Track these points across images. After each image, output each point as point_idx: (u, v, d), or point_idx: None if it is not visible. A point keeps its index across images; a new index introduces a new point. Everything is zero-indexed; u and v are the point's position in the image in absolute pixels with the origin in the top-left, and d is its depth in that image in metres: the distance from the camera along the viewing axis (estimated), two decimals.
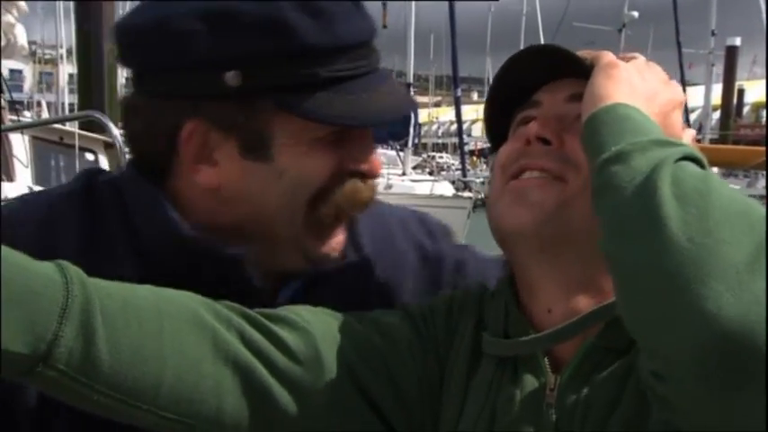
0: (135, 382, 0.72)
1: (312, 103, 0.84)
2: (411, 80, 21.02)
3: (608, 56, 0.83)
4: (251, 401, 0.79)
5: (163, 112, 0.86)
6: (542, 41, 26.58)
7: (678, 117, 0.82)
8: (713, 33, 25.08)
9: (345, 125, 0.86)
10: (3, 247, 0.64)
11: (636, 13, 22.45)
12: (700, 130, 22.94)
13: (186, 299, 0.79)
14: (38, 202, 0.97)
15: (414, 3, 22.52)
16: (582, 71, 0.82)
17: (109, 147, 5.53)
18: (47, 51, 37.25)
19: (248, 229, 0.89)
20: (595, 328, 0.81)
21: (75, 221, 0.91)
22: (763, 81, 31.56)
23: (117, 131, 4.72)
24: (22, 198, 1.03)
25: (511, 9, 39.30)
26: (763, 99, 30.34)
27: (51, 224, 0.90)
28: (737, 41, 24.84)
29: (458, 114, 11.35)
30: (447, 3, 10.90)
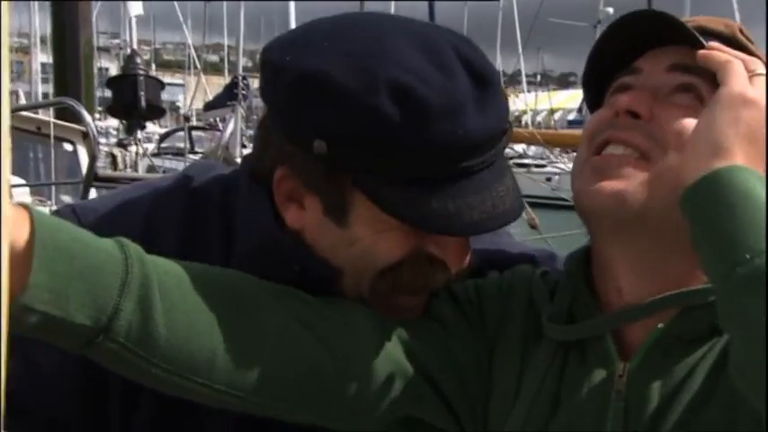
0: (191, 355, 0.74)
1: (393, 197, 0.80)
2: None
3: (738, 78, 0.74)
4: (299, 375, 0.80)
5: (271, 146, 0.87)
6: (518, 36, 26.18)
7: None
8: None
9: (424, 229, 0.82)
10: (68, 224, 0.69)
11: (611, 10, 22.66)
12: None
13: (238, 276, 0.82)
14: (140, 203, 0.97)
15: (393, 3, 22.64)
16: (688, 39, 0.79)
17: (86, 137, 5.57)
18: (17, 40, 36.89)
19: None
20: (666, 314, 0.79)
21: (176, 224, 0.93)
22: None
23: (91, 120, 4.78)
24: (123, 195, 1.01)
25: (487, 4, 39.78)
26: None
27: (153, 227, 0.92)
28: None
29: None
30: (426, 3, 11.00)
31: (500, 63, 37.29)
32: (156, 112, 6.47)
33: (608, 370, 0.81)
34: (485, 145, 0.81)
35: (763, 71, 0.75)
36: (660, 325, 0.79)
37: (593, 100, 0.90)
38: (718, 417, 0.74)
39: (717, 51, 0.77)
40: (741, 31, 0.86)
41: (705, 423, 0.74)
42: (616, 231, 0.82)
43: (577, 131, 11.29)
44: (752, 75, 0.74)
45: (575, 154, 0.98)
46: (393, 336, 0.86)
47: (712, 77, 0.76)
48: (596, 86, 0.89)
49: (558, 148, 12.16)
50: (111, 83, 6.38)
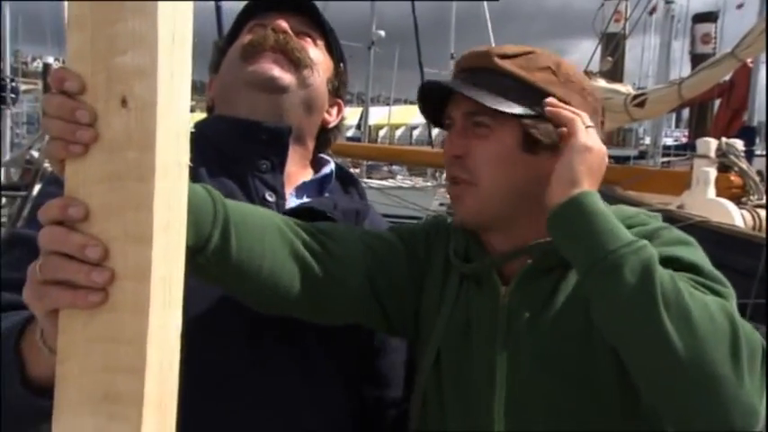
0: (247, 267, 1.03)
1: None
2: None
3: (581, 132, 1.05)
4: (308, 285, 1.09)
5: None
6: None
7: (601, 170, 1.05)
8: (452, 57, 27.27)
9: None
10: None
11: (383, 33, 24.31)
12: (431, 143, 27.75)
13: (271, 214, 1.10)
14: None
15: None
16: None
17: None
18: None
19: None
20: (529, 256, 1.12)
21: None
22: None
23: None
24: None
25: None
26: None
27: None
28: None
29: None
30: (215, 11, 11.67)
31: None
32: None
33: (495, 293, 1.13)
34: None
35: (592, 124, 1.07)
36: (529, 261, 1.11)
37: (435, 121, 1.23)
38: (579, 318, 1.05)
39: (561, 109, 1.07)
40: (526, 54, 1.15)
41: (568, 324, 1.06)
42: (482, 230, 1.17)
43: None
44: (587, 127, 1.05)
45: None
46: (359, 260, 1.15)
47: (493, 113, 1.09)
48: (432, 117, 1.23)
49: None
50: None
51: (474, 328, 1.15)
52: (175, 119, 0.72)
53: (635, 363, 0.96)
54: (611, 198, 1.27)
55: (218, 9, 11.86)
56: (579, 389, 1.06)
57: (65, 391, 0.74)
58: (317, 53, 1.32)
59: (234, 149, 1.24)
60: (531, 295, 1.11)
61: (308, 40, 1.32)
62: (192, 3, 0.73)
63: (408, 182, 14.81)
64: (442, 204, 14.75)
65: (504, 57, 1.14)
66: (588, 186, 1.01)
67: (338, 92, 1.38)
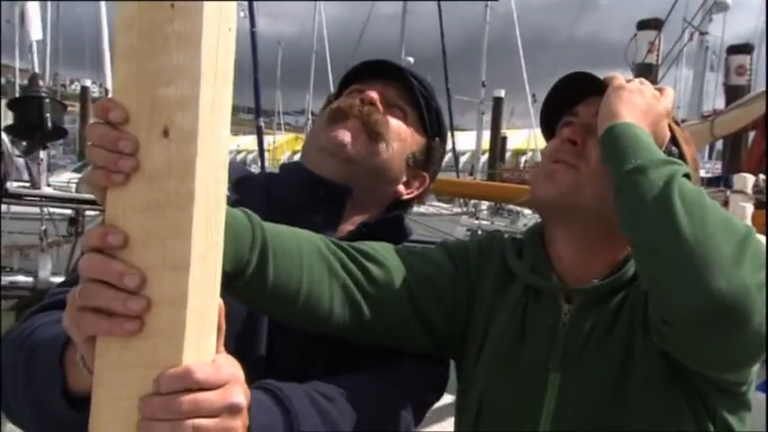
0: (286, 290, 1.04)
1: None
2: None
3: (617, 79, 1.13)
4: (346, 310, 1.10)
5: None
6: (330, 78, 30.96)
7: (664, 125, 1.13)
8: (483, 84, 27.96)
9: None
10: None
11: (411, 59, 24.33)
12: (471, 171, 25.36)
13: (312, 237, 1.10)
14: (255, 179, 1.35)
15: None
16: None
17: None
18: None
19: None
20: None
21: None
22: (521, 130, 37.04)
23: (6, 138, 4.73)
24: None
25: (302, 45, 42.07)
26: (522, 146, 34.85)
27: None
28: (502, 93, 28.02)
29: (260, 143, 12.17)
30: (250, 38, 11.75)
31: (310, 102, 39.69)
32: (60, 132, 6.34)
33: (557, 310, 1.14)
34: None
35: (633, 85, 1.13)
36: (595, 281, 1.13)
37: (545, 133, 1.28)
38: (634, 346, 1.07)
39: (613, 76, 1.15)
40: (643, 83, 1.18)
41: (622, 351, 1.08)
42: (557, 216, 1.17)
43: None
44: (639, 85, 1.13)
45: None
46: (402, 282, 1.16)
47: None
48: (545, 125, 1.27)
49: None
50: (13, 105, 6.09)
51: (527, 344, 1.16)
52: (215, 149, 0.74)
53: (643, 244, 0.99)
54: None
55: (253, 35, 11.98)
56: (638, 419, 1.06)
57: (101, 417, 0.75)
58: (401, 127, 1.34)
59: (296, 198, 1.29)
60: (593, 317, 1.12)
61: (399, 112, 1.35)
62: (234, 37, 0.75)
63: (432, 208, 14.82)
64: (468, 230, 14.69)
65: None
66: (629, 118, 1.08)
67: (425, 165, 1.40)
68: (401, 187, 1.38)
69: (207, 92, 0.71)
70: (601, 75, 1.22)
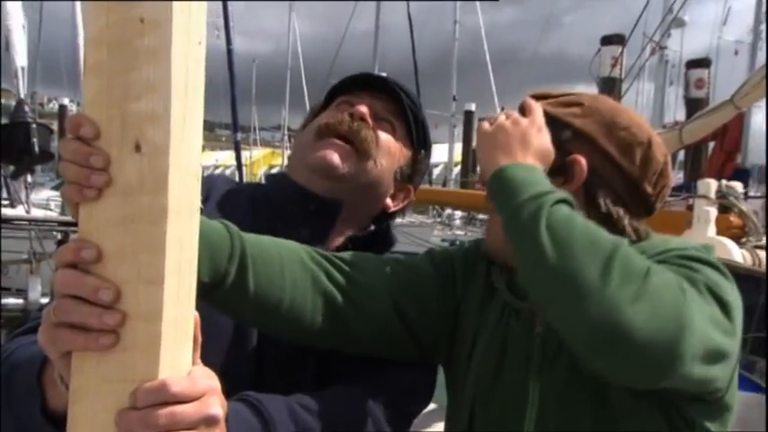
0: (267, 300, 1.02)
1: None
2: None
3: (479, 129, 1.15)
4: (330, 319, 1.08)
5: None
6: (306, 94, 31.19)
7: (540, 136, 1.11)
8: (454, 98, 28.55)
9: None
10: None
11: (384, 75, 26.75)
12: (444, 183, 25.69)
13: (294, 246, 1.09)
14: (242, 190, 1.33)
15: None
16: None
17: None
18: None
19: None
20: None
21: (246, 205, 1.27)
22: None
23: None
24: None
25: (277, 62, 42.42)
26: None
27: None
28: (473, 107, 27.54)
29: (238, 158, 12.27)
30: (226, 55, 11.65)
31: (286, 118, 39.96)
32: (46, 156, 6.38)
33: (531, 322, 1.14)
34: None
35: (494, 128, 1.12)
36: None
37: None
38: None
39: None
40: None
41: None
42: (508, 258, 1.12)
43: None
44: (493, 118, 1.15)
45: None
46: (386, 290, 1.14)
47: None
48: None
49: None
50: (0, 130, 6.11)
51: (509, 355, 1.16)
52: (187, 163, 0.72)
53: (523, 275, 1.00)
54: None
55: (229, 53, 11.99)
56: (606, 423, 1.06)
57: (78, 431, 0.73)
58: (390, 142, 1.32)
59: (284, 210, 1.27)
60: None
61: (388, 126, 1.32)
62: (204, 51, 0.73)
63: (409, 219, 14.87)
64: (443, 240, 14.76)
65: (539, 98, 1.20)
66: (504, 159, 1.07)
67: (410, 178, 1.39)
68: (388, 200, 1.37)
69: (178, 106, 0.70)
70: (566, 88, 1.21)
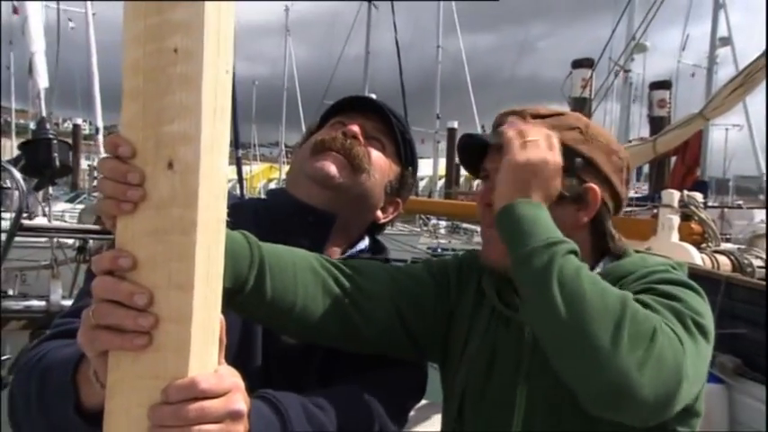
0: (282, 304, 1.03)
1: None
2: None
3: (511, 148, 1.06)
4: (338, 321, 1.09)
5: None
6: (301, 113, 31.29)
7: (555, 182, 1.06)
8: (438, 116, 28.87)
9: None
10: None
11: (374, 96, 26.70)
12: (429, 195, 25.29)
13: (307, 255, 1.10)
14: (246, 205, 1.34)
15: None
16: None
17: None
18: None
19: None
20: None
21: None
22: None
23: (20, 176, 4.74)
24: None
25: (274, 84, 41.79)
26: None
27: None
28: (456, 124, 27.98)
29: (239, 172, 14.41)
30: None
31: (283, 135, 40.50)
32: (66, 170, 6.35)
33: (521, 330, 1.13)
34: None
35: (531, 136, 1.06)
36: None
37: (474, 172, 1.22)
38: None
39: (505, 130, 1.09)
40: (531, 114, 1.15)
41: None
42: (507, 271, 1.07)
43: None
44: (524, 142, 1.06)
45: None
46: (389, 296, 1.14)
47: None
48: (471, 169, 1.22)
49: None
50: (25, 146, 6.16)
51: (498, 360, 1.15)
52: (216, 180, 0.73)
53: (536, 330, 0.99)
54: None
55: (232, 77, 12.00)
56: (589, 425, 1.05)
57: (113, 425, 0.74)
58: (381, 159, 1.33)
59: (284, 222, 1.27)
60: None
61: (378, 144, 1.33)
62: (230, 79, 0.75)
63: (397, 228, 14.91)
64: (429, 248, 14.75)
65: (537, 116, 1.15)
66: (520, 195, 1.04)
67: (399, 192, 1.39)
68: (378, 212, 1.37)
69: (207, 128, 0.71)
70: (541, 105, 1.20)
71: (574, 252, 0.99)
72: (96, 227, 5.39)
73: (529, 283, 0.98)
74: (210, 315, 0.75)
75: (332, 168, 1.26)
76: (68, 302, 5.08)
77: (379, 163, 1.32)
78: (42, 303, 4.88)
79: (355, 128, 1.30)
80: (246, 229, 1.07)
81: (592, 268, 1.12)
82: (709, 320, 1.02)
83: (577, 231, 1.12)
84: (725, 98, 5.52)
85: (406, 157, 1.38)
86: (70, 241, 6.09)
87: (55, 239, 5.82)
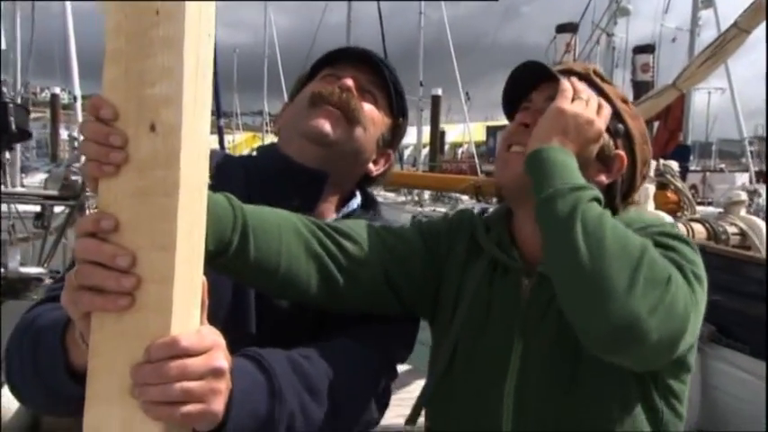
0: (266, 266, 1.03)
1: None
2: None
3: (563, 93, 1.11)
4: (322, 283, 1.09)
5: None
6: (283, 82, 30.78)
7: (593, 145, 1.11)
8: (421, 84, 27.55)
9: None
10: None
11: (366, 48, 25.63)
12: (414, 163, 25.75)
13: (291, 216, 1.09)
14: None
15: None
16: (556, 79, 1.14)
17: None
18: None
19: None
20: None
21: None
22: (458, 125, 37.49)
23: None
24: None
25: (256, 52, 40.54)
26: (458, 139, 35.05)
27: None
28: (440, 91, 27.88)
29: (221, 141, 12.16)
30: None
31: (265, 104, 40.90)
32: (24, 135, 6.36)
33: (517, 284, 1.16)
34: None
35: (584, 96, 1.11)
36: None
37: (508, 115, 1.25)
38: None
39: (564, 80, 1.13)
40: (594, 72, 1.21)
41: None
42: (515, 198, 1.18)
43: None
44: (575, 97, 1.10)
45: None
46: (375, 257, 1.15)
47: None
48: (507, 108, 1.25)
49: None
50: None
51: (494, 313, 1.17)
52: (197, 141, 0.74)
53: (554, 271, 1.02)
54: None
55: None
56: (590, 381, 1.08)
57: (96, 384, 0.76)
58: (373, 112, 1.33)
59: (275, 181, 1.27)
60: (551, 291, 1.08)
61: (371, 97, 1.33)
62: (212, 42, 0.75)
63: (379, 198, 14.88)
64: (413, 216, 14.80)
65: (601, 78, 1.22)
66: (557, 143, 1.08)
67: (391, 144, 1.40)
68: (371, 165, 1.38)
69: (189, 90, 0.72)
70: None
71: (598, 200, 1.02)
72: (54, 192, 5.33)
73: (552, 224, 1.00)
74: (193, 276, 0.77)
75: (326, 126, 1.26)
76: (28, 269, 5.27)
77: (372, 116, 1.33)
78: None
79: (350, 82, 1.30)
80: (236, 187, 1.07)
81: None
82: (704, 272, 1.06)
83: None
84: (696, 68, 5.54)
85: (397, 108, 1.39)
86: (35, 209, 6.03)
87: (13, 208, 5.79)
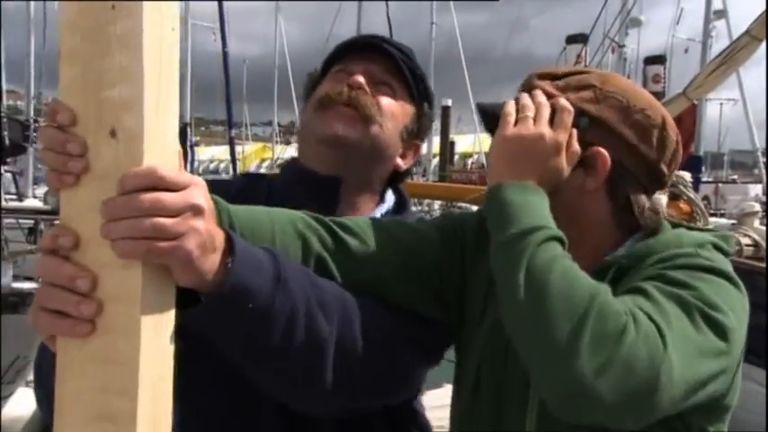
0: None
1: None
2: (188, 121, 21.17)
3: (501, 128, 1.01)
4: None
5: None
6: (293, 92, 31.03)
7: (554, 159, 0.99)
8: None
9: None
10: None
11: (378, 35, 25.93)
12: (424, 173, 25.44)
13: (288, 215, 1.03)
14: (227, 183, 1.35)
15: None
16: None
17: None
18: None
19: None
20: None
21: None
22: (467, 135, 37.83)
23: None
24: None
25: (266, 63, 41.31)
26: (468, 149, 35.24)
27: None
28: (450, 102, 27.59)
29: (232, 152, 12.19)
30: (222, 56, 11.97)
31: (276, 114, 41.47)
32: (17, 149, 6.34)
33: None
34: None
35: (530, 112, 1.00)
36: None
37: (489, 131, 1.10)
38: None
39: (506, 103, 1.03)
40: (544, 75, 1.08)
41: None
42: None
43: None
44: (519, 118, 1.00)
45: None
46: (378, 258, 1.05)
47: None
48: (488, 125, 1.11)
49: None
50: None
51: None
52: (162, 148, 0.69)
53: (504, 323, 0.94)
54: None
55: (225, 55, 12.01)
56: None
57: (64, 411, 0.71)
58: (392, 105, 1.25)
59: (291, 193, 1.22)
60: None
61: (387, 89, 1.26)
62: (177, 37, 0.69)
63: None
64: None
65: (547, 77, 1.09)
66: (512, 174, 0.98)
67: (417, 134, 1.32)
68: (398, 160, 1.30)
69: (151, 92, 0.66)
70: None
71: (557, 239, 0.93)
72: (48, 207, 5.28)
73: (498, 272, 0.94)
74: (162, 295, 0.71)
75: (338, 126, 1.20)
76: (20, 285, 5.24)
77: (391, 110, 1.25)
78: None
79: (360, 78, 1.22)
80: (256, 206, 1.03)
81: (616, 246, 1.06)
82: (726, 314, 0.92)
83: (588, 199, 1.04)
84: (707, 76, 5.46)
85: (419, 94, 1.31)
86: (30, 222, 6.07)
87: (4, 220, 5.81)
